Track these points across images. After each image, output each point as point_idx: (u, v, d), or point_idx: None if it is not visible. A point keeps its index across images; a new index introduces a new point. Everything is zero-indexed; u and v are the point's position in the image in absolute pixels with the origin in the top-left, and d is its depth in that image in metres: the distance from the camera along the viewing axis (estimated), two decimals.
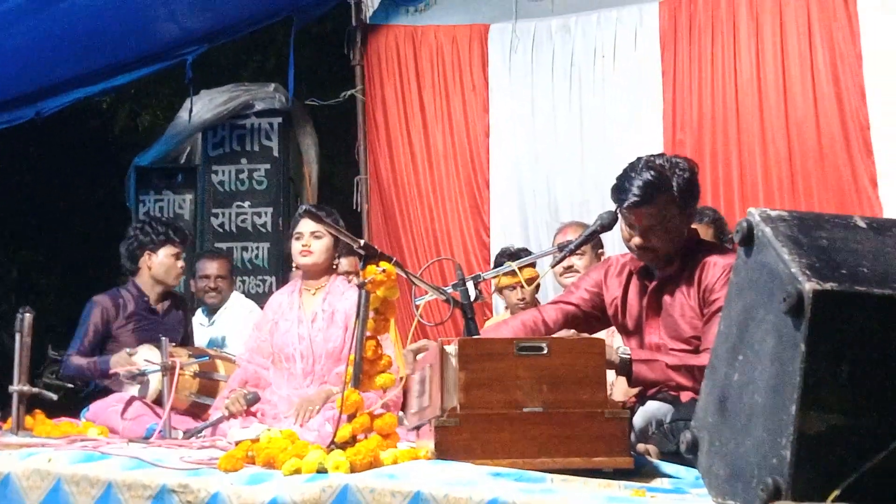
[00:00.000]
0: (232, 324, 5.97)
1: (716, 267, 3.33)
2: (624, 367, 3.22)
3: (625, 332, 3.54)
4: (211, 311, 6.10)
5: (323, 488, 2.62)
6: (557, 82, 6.64)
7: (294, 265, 4.63)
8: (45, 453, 3.38)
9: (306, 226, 4.38)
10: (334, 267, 4.55)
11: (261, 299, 6.11)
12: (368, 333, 3.22)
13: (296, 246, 4.44)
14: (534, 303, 5.11)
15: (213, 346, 5.53)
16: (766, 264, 2.12)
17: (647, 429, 3.20)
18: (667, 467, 2.89)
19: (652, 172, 3.35)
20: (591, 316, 3.58)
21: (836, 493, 1.90)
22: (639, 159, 3.44)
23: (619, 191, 3.39)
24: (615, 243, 5.92)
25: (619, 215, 3.45)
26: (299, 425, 3.92)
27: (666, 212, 3.35)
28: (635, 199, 3.32)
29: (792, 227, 2.15)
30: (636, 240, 3.39)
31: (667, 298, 3.43)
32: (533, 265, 5.05)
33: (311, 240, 4.40)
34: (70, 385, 5.21)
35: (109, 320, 5.10)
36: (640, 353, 3.30)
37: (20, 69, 6.60)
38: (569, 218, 5.75)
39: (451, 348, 2.87)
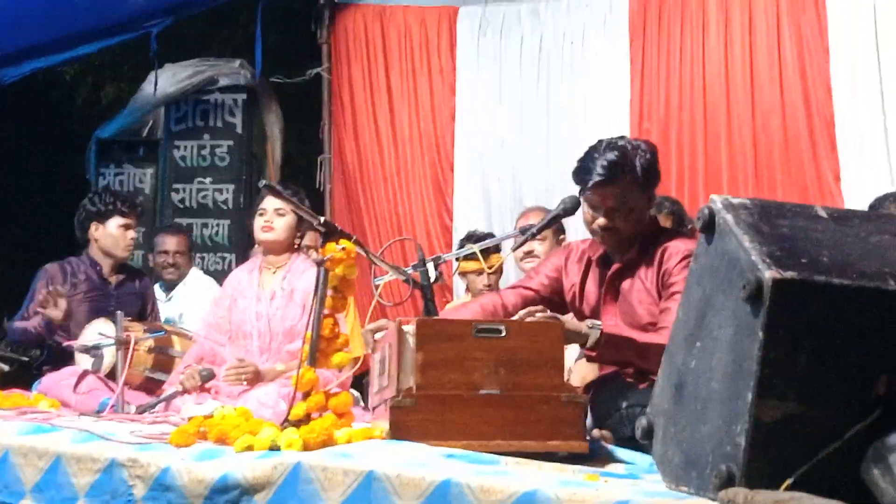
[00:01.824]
0: (189, 300, 5.92)
1: (676, 252, 3.33)
2: (594, 339, 3.16)
3: (581, 318, 3.53)
4: (169, 286, 6.04)
5: (275, 465, 2.59)
6: (525, 68, 6.62)
7: (256, 242, 4.58)
8: None
9: (270, 203, 4.35)
10: (296, 246, 4.52)
11: (220, 276, 6.06)
12: (326, 311, 3.19)
13: (258, 222, 4.41)
14: (494, 287, 5.10)
15: (169, 322, 5.47)
16: (727, 252, 2.11)
17: (603, 414, 3.19)
18: (622, 453, 2.88)
19: (615, 153, 3.34)
20: (551, 301, 3.56)
21: (789, 481, 1.90)
22: (600, 141, 3.44)
23: (582, 172, 3.38)
24: (578, 230, 5.94)
25: (582, 198, 3.44)
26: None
27: (629, 192, 3.35)
28: (599, 178, 3.32)
29: (753, 214, 2.15)
30: (600, 220, 3.38)
31: (624, 285, 3.43)
32: (498, 250, 5.04)
33: (273, 216, 4.37)
34: (24, 358, 5.14)
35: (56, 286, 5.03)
36: (611, 327, 3.27)
37: None
38: (533, 204, 5.74)
39: (409, 328, 2.84)
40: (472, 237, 5.15)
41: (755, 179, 5.75)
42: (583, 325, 3.19)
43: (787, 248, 2.03)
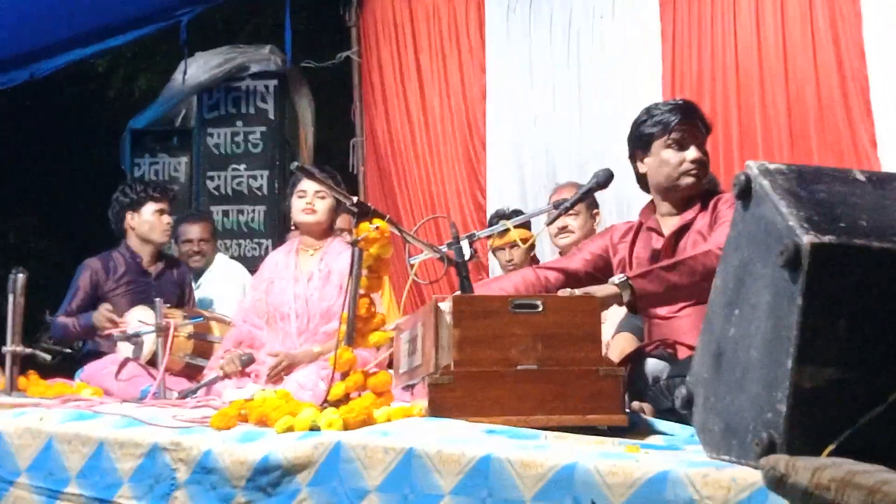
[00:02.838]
0: (217, 286, 5.95)
1: (730, 198, 3.31)
2: (625, 289, 3.13)
3: None
4: (196, 274, 6.07)
5: (315, 445, 2.60)
6: (555, 43, 6.57)
7: (293, 224, 4.58)
8: (37, 412, 3.37)
9: (310, 185, 4.34)
10: (333, 229, 4.54)
11: (257, 263, 6.08)
12: (361, 291, 3.20)
13: (298, 203, 4.41)
14: (527, 264, 5.09)
15: (203, 308, 5.51)
16: (764, 217, 2.08)
17: (642, 387, 3.17)
18: (661, 425, 2.86)
19: (680, 100, 3.52)
20: (593, 278, 3.54)
21: (831, 447, 1.88)
22: (653, 104, 3.57)
23: (656, 119, 3.47)
24: (610, 205, 5.91)
25: (660, 146, 3.47)
26: (268, 380, 3.96)
27: (704, 135, 3.48)
28: (687, 111, 3.45)
29: (790, 180, 2.12)
30: (692, 154, 3.44)
31: (681, 243, 3.43)
32: (527, 226, 5.03)
33: (315, 199, 4.37)
34: (67, 350, 5.20)
35: (99, 282, 5.09)
36: (632, 271, 3.27)
37: (13, 30, 6.54)
38: (567, 180, 5.71)
39: (446, 305, 2.84)
40: (499, 214, 5.14)
41: (790, 148, 5.68)
42: (609, 286, 3.16)
43: (824, 212, 2.01)
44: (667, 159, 3.46)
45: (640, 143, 3.52)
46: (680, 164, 3.44)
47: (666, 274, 3.17)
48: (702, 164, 3.46)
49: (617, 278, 3.18)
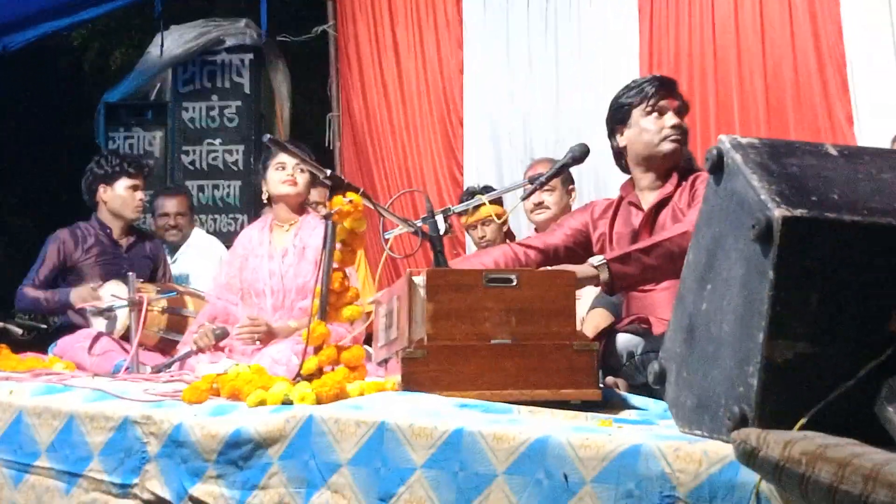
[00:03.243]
0: (194, 261, 5.90)
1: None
2: (602, 270, 3.14)
3: None
4: (172, 249, 6.02)
5: (287, 419, 2.59)
6: (533, 18, 6.56)
7: (266, 198, 4.52)
8: (7, 386, 3.34)
9: (288, 157, 4.27)
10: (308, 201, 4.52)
11: (232, 238, 6.04)
12: (335, 265, 3.18)
13: (277, 175, 4.34)
14: (500, 241, 5.08)
15: (179, 283, 5.47)
16: (736, 192, 2.08)
17: (616, 362, 3.18)
18: (635, 400, 2.87)
19: (659, 75, 3.61)
20: (573, 254, 3.54)
21: (803, 420, 1.88)
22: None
23: (636, 88, 3.52)
24: (588, 182, 5.91)
25: (640, 114, 3.49)
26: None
27: (682, 105, 3.53)
28: (665, 81, 3.52)
29: (762, 154, 2.11)
30: (672, 120, 3.47)
31: (660, 218, 3.45)
32: (500, 202, 5.01)
33: (295, 171, 4.33)
34: (42, 326, 5.16)
35: (67, 253, 5.03)
36: (611, 253, 3.27)
37: None
38: (543, 156, 5.70)
39: (420, 279, 2.83)
40: (471, 192, 5.12)
41: (767, 124, 5.69)
42: (588, 267, 3.17)
43: (796, 186, 2.00)
44: (646, 127, 3.48)
45: (618, 115, 3.53)
46: (660, 131, 3.46)
47: (643, 257, 3.18)
48: (681, 130, 3.49)
49: (595, 260, 3.18)
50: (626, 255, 3.19)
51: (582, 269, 3.15)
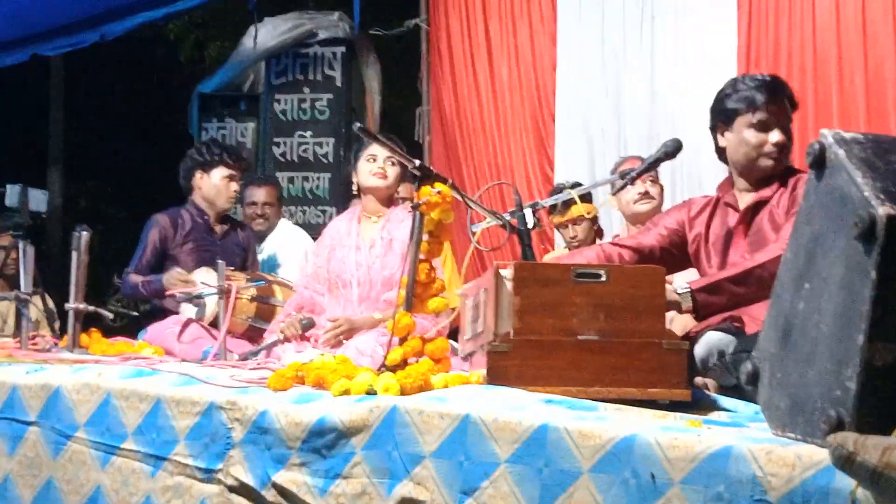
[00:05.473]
0: (280, 251, 5.95)
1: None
2: (686, 301, 3.09)
3: (708, 261, 3.45)
4: (259, 238, 6.07)
5: (371, 409, 2.58)
6: (628, 14, 6.48)
7: (355, 190, 4.52)
8: (97, 368, 3.39)
9: (380, 150, 4.27)
10: (395, 196, 4.51)
11: (320, 230, 6.06)
12: (422, 256, 3.16)
13: (367, 167, 4.35)
14: (591, 241, 5.03)
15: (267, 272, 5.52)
16: (838, 188, 2.01)
17: (707, 361, 3.10)
18: (725, 401, 2.80)
19: (768, 76, 3.36)
20: (668, 254, 3.48)
21: None
22: (740, 76, 3.43)
23: (743, 95, 3.33)
24: (681, 178, 5.82)
25: (742, 123, 3.34)
26: (322, 344, 3.95)
27: (789, 114, 3.36)
28: (774, 89, 3.30)
29: (867, 149, 2.04)
30: (776, 136, 3.31)
31: (757, 219, 3.35)
32: (590, 200, 4.95)
33: (386, 164, 4.33)
34: (134, 313, 5.23)
35: (167, 238, 5.09)
36: (698, 281, 3.19)
37: None
38: (637, 153, 5.62)
39: (507, 272, 2.79)
40: (559, 188, 5.06)
41: (867, 125, 5.52)
42: (670, 293, 3.06)
43: None
44: (748, 139, 3.35)
45: (722, 116, 3.40)
46: (761, 146, 3.33)
47: (733, 287, 3.10)
48: (783, 148, 3.34)
49: (680, 288, 3.10)
50: (715, 284, 3.12)
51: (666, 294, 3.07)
